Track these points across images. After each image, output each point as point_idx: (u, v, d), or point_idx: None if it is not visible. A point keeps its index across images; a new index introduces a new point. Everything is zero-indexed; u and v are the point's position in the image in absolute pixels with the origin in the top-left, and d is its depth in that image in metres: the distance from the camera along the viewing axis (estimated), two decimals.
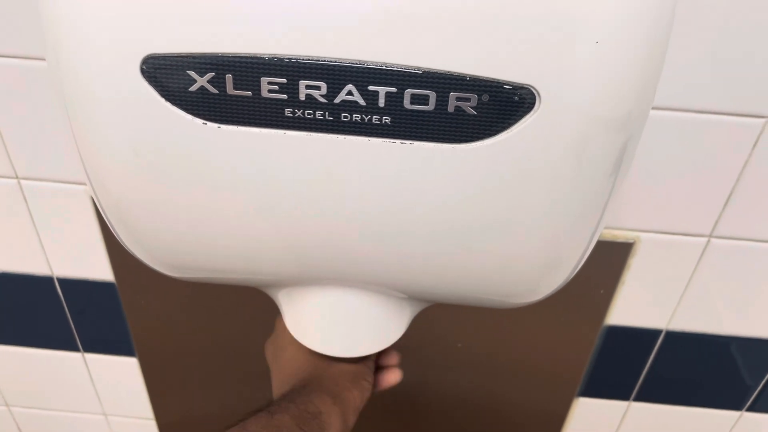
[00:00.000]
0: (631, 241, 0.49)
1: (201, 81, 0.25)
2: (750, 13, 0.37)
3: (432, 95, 0.24)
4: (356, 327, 0.37)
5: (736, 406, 0.60)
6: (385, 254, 0.30)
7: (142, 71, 0.25)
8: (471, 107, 0.25)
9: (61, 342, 0.61)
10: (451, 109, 0.25)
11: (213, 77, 0.25)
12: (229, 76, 0.25)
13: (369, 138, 0.26)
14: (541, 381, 0.60)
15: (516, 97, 0.24)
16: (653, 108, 0.41)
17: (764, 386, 0.58)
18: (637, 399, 0.61)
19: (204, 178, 0.27)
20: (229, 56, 0.24)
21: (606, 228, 0.48)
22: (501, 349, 0.58)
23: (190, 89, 0.25)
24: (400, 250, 0.29)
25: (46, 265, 0.54)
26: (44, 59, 0.41)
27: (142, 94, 0.25)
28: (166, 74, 0.25)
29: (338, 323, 0.36)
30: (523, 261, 0.31)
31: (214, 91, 0.25)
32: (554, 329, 0.56)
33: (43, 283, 0.56)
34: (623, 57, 0.25)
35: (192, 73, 0.25)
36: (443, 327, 0.56)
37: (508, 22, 0.23)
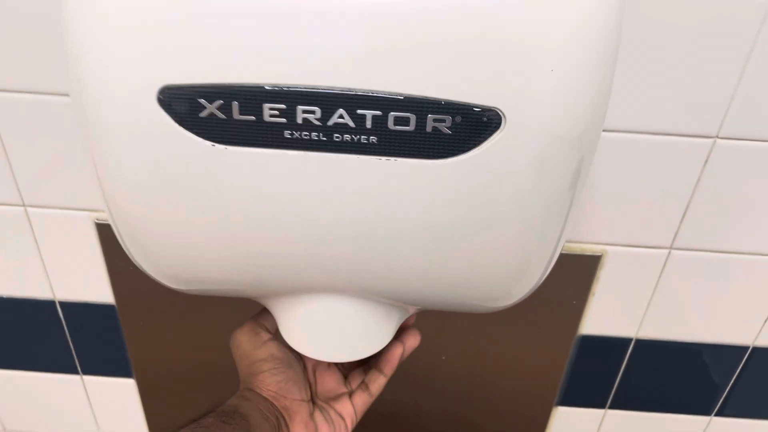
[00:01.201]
0: (598, 254, 0.53)
1: (210, 108, 0.28)
2: (698, 38, 0.42)
3: (412, 117, 0.28)
4: (345, 334, 0.40)
5: (706, 411, 0.64)
6: (374, 260, 0.33)
7: (159, 100, 0.28)
8: (446, 127, 0.28)
9: (61, 365, 0.63)
10: (429, 129, 0.29)
11: (221, 104, 0.28)
12: (235, 103, 0.28)
13: (358, 156, 0.29)
14: (520, 391, 0.63)
15: (485, 118, 0.28)
16: (615, 131, 0.46)
17: (731, 391, 0.62)
18: (613, 407, 0.64)
19: (212, 195, 0.31)
20: (235, 86, 0.28)
21: (575, 242, 0.52)
22: (481, 361, 0.61)
23: (200, 115, 0.29)
24: (386, 256, 0.33)
25: (49, 289, 0.57)
26: (49, 93, 0.45)
27: (158, 120, 0.29)
28: (180, 102, 0.28)
29: (329, 330, 0.40)
30: (494, 265, 0.34)
31: (222, 116, 0.29)
32: (531, 341, 0.59)
33: (45, 306, 0.58)
34: (575, 82, 0.29)
35: (202, 101, 0.28)
36: (428, 340, 0.59)
37: (475, 54, 0.27)
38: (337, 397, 0.44)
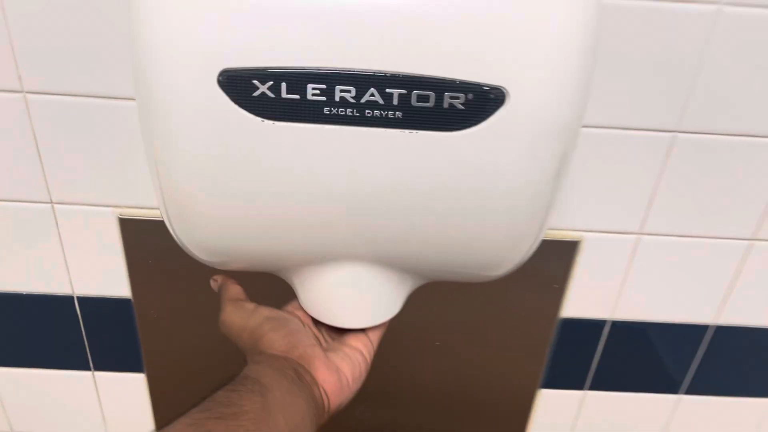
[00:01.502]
0: (577, 239, 0.59)
1: (262, 88, 0.34)
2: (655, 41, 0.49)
3: (432, 95, 0.34)
4: (363, 301, 0.45)
5: (674, 389, 0.70)
6: (394, 224, 0.38)
7: (218, 82, 0.33)
8: (460, 103, 0.34)
9: (73, 361, 0.66)
10: (446, 105, 0.34)
11: (271, 85, 0.34)
12: (283, 84, 0.34)
13: (386, 129, 0.35)
14: (506, 375, 0.68)
15: (492, 95, 0.34)
16: (592, 126, 0.52)
17: (698, 369, 0.68)
18: (592, 388, 0.69)
19: (259, 166, 0.36)
20: (283, 69, 0.33)
21: (555, 229, 0.58)
22: (468, 346, 0.66)
23: (253, 94, 0.34)
24: (405, 220, 0.38)
25: (69, 284, 0.61)
26: (82, 95, 0.49)
27: (217, 99, 0.34)
28: (236, 83, 0.34)
29: (348, 298, 0.45)
30: (494, 230, 0.40)
31: (271, 95, 0.34)
32: (515, 325, 0.65)
33: (63, 302, 0.62)
34: (565, 69, 0.35)
35: (255, 82, 0.34)
36: (418, 326, 0.64)
37: (484, 42, 0.33)
38: (344, 336, 0.46)
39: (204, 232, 0.40)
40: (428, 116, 0.35)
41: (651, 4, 0.47)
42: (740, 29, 0.48)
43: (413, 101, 0.34)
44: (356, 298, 0.44)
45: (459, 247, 0.41)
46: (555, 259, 0.60)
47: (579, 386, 0.69)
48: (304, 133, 0.35)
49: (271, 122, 0.34)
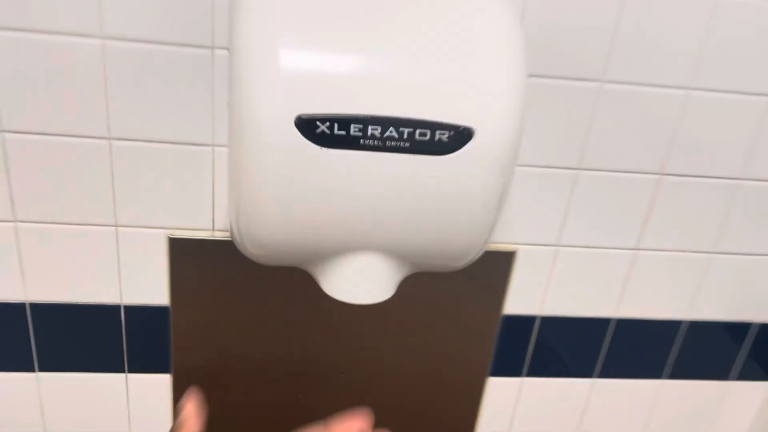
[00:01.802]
0: (513, 250, 0.80)
1: (322, 127, 0.53)
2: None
3: (428, 132, 0.54)
4: (369, 282, 0.63)
5: (590, 374, 0.90)
6: (398, 221, 0.58)
7: (295, 123, 0.53)
8: (445, 138, 0.55)
9: (111, 363, 0.80)
10: (436, 139, 0.54)
11: (327, 125, 0.53)
12: (335, 125, 0.53)
13: (398, 154, 0.54)
14: (459, 366, 0.87)
15: (465, 132, 0.55)
16: (523, 165, 0.74)
17: (606, 356, 0.89)
18: (528, 375, 0.89)
19: (317, 179, 0.54)
20: (336, 115, 0.53)
21: (497, 243, 0.79)
22: (427, 342, 0.84)
23: (316, 131, 0.53)
24: (408, 216, 0.57)
25: (118, 295, 0.76)
26: (156, 141, 0.67)
27: (293, 134, 0.53)
28: (305, 124, 0.53)
29: (357, 281, 0.63)
30: (462, 228, 0.60)
31: (328, 132, 0.53)
32: (467, 322, 0.84)
33: (112, 310, 0.76)
34: (509, 118, 0.56)
35: (318, 123, 0.53)
36: (388, 323, 0.83)
37: (459, 101, 0.54)
38: None
39: (268, 232, 0.58)
40: (425, 146, 0.55)
41: (551, 81, 0.70)
42: (619, 100, 0.72)
43: (416, 136, 0.54)
44: (365, 280, 0.63)
45: (437, 240, 0.60)
46: (497, 266, 0.80)
47: (518, 374, 0.88)
48: (347, 157, 0.54)
49: (326, 150, 0.54)
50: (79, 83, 0.64)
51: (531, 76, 0.69)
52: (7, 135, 0.65)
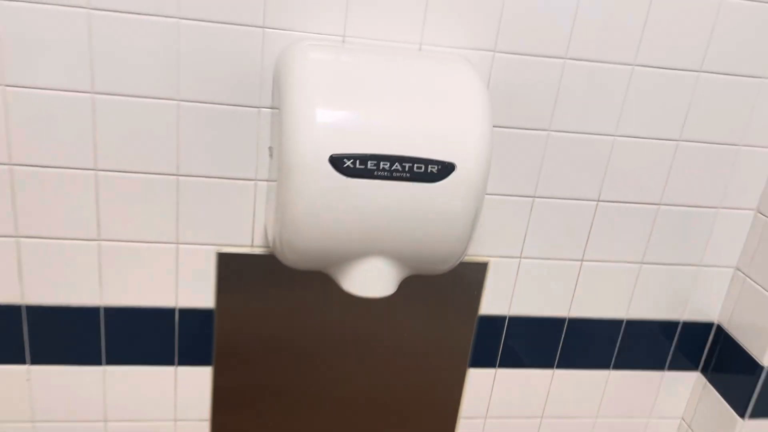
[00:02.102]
0: (486, 261, 1.01)
1: (348, 163, 0.74)
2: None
3: (423, 165, 0.76)
4: (377, 281, 0.84)
5: (550, 365, 1.11)
6: (401, 232, 0.79)
7: (329, 160, 0.74)
8: (435, 170, 0.77)
9: (165, 358, 0.99)
10: (428, 171, 0.76)
11: (352, 161, 0.75)
12: (358, 161, 0.75)
13: (401, 182, 0.76)
14: (443, 359, 1.07)
15: (449, 166, 0.77)
16: (492, 194, 0.96)
17: (561, 349, 1.10)
18: (500, 366, 1.09)
19: (343, 201, 0.76)
20: (358, 155, 0.75)
21: (474, 255, 1.01)
22: (415, 339, 1.05)
23: (344, 166, 0.75)
24: (407, 228, 0.79)
25: (175, 299, 0.95)
26: (212, 177, 0.88)
27: (327, 168, 0.74)
28: (336, 161, 0.74)
29: (368, 278, 0.83)
30: (445, 238, 0.81)
31: (352, 166, 0.75)
32: (449, 322, 1.04)
33: (169, 312, 0.96)
34: (482, 157, 0.78)
35: (345, 160, 0.74)
36: (384, 323, 1.03)
37: (445, 145, 0.76)
38: None
39: (304, 242, 0.79)
40: (420, 176, 0.76)
41: (511, 131, 0.93)
42: (562, 144, 0.95)
43: (414, 169, 0.76)
44: (375, 278, 0.84)
45: (429, 247, 0.82)
46: (474, 274, 1.02)
47: (492, 365, 1.09)
48: (365, 184, 0.75)
49: (350, 179, 0.75)
50: (156, 132, 0.85)
51: (496, 126, 0.92)
52: (100, 174, 0.86)
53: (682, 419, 1.19)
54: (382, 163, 0.75)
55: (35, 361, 0.95)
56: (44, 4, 0.77)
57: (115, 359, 0.97)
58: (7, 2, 0.76)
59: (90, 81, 0.81)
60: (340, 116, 0.75)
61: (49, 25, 0.78)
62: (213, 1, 0.80)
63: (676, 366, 1.14)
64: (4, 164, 0.84)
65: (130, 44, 0.80)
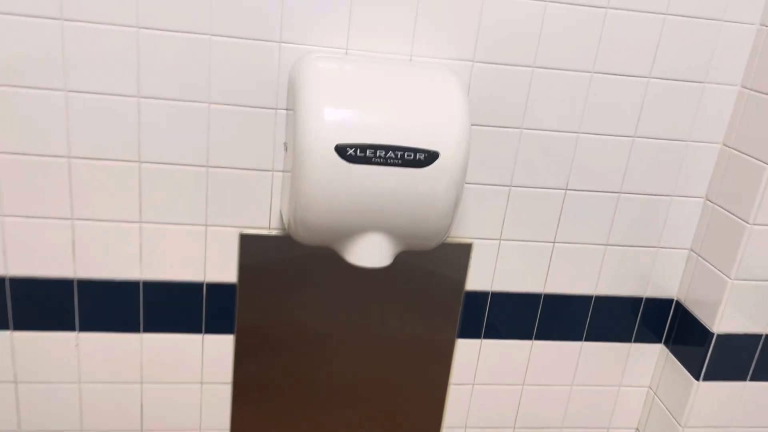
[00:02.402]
0: (470, 242, 1.17)
1: (350, 151, 0.91)
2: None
3: (413, 154, 0.92)
4: (375, 253, 1.00)
5: (529, 337, 1.26)
6: (398, 211, 0.95)
7: (334, 149, 0.91)
8: (422, 157, 0.93)
9: (192, 325, 1.15)
10: (417, 158, 0.93)
11: (353, 149, 0.91)
12: (358, 150, 0.91)
13: (393, 167, 0.92)
14: (434, 330, 1.22)
15: (435, 154, 0.93)
16: (472, 183, 1.12)
17: (539, 322, 1.25)
18: (485, 337, 1.25)
19: (346, 183, 0.92)
20: (359, 144, 0.91)
21: (459, 237, 1.17)
22: (410, 313, 1.21)
23: (347, 154, 0.91)
24: (400, 209, 0.95)
25: (203, 274, 1.12)
26: (237, 168, 1.05)
27: (332, 156, 0.91)
28: (341, 149, 0.91)
29: (368, 250, 0.99)
30: (432, 218, 0.97)
31: (353, 154, 0.91)
32: (438, 297, 1.20)
33: (197, 286, 1.12)
34: (463, 146, 0.95)
35: (348, 149, 0.91)
36: (381, 298, 1.19)
37: (431, 137, 0.93)
38: None
39: (314, 220, 0.95)
40: (411, 162, 0.93)
41: (489, 129, 1.10)
42: (533, 140, 1.11)
43: (405, 156, 0.92)
44: (374, 250, 1.00)
45: (418, 223, 0.98)
46: (460, 255, 1.18)
47: (478, 336, 1.24)
48: (365, 169, 0.92)
49: (353, 164, 0.91)
50: (191, 130, 1.02)
51: (476, 125, 1.08)
52: (143, 165, 1.03)
53: (649, 387, 1.33)
54: (378, 151, 0.91)
55: (83, 328, 1.11)
56: (97, 23, 0.94)
57: (151, 327, 1.13)
58: (73, 23, 0.94)
59: (137, 87, 0.98)
60: (344, 113, 0.91)
61: (103, 42, 0.95)
62: (238, 21, 0.97)
63: (641, 338, 1.29)
64: (64, 157, 1.00)
65: (169, 56, 0.97)
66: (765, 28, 1.07)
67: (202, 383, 1.18)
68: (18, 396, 1.14)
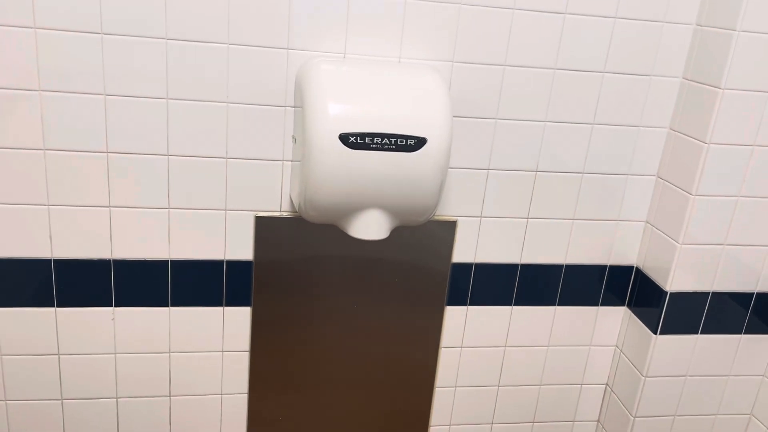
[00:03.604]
0: (455, 220, 1.35)
1: (352, 139, 1.08)
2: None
3: (405, 140, 1.10)
4: (374, 227, 1.16)
5: (509, 303, 1.44)
6: (389, 191, 1.12)
7: (339, 137, 1.08)
8: (412, 143, 1.10)
9: (214, 299, 1.31)
10: (408, 143, 1.10)
11: (355, 137, 1.08)
12: (358, 138, 1.08)
13: (388, 152, 1.09)
14: (425, 297, 1.40)
15: (423, 140, 1.10)
16: (455, 167, 1.30)
17: (517, 289, 1.42)
18: (471, 304, 1.42)
19: (348, 167, 1.09)
20: (359, 132, 1.08)
21: (445, 215, 1.34)
22: (401, 280, 1.38)
23: (349, 141, 1.08)
24: (393, 188, 1.12)
25: (223, 253, 1.28)
26: (251, 159, 1.22)
27: (336, 144, 1.07)
28: (344, 138, 1.07)
29: (368, 224, 1.16)
30: (421, 196, 1.15)
31: (354, 141, 1.08)
32: (429, 268, 1.38)
33: (218, 264, 1.28)
34: (446, 133, 1.12)
35: (350, 137, 1.08)
36: (372, 268, 1.36)
37: (419, 124, 1.10)
38: None
39: (321, 200, 1.11)
40: (403, 147, 1.10)
41: (468, 119, 1.27)
42: (507, 130, 1.29)
43: (398, 142, 1.10)
44: (373, 225, 1.16)
45: (410, 201, 1.15)
46: (447, 230, 1.35)
47: (464, 303, 1.42)
48: (364, 154, 1.08)
49: (354, 150, 1.08)
50: (212, 126, 1.18)
51: (457, 117, 1.26)
52: (171, 158, 1.19)
53: (616, 346, 1.51)
54: (375, 138, 1.08)
55: (118, 304, 1.27)
56: (131, 36, 1.11)
57: (177, 302, 1.29)
58: (114, 37, 1.10)
59: (165, 90, 1.15)
60: (346, 107, 1.08)
61: (135, 51, 1.12)
62: (252, 31, 1.14)
63: (607, 302, 1.47)
64: (102, 152, 1.16)
65: (193, 61, 1.14)
66: (700, 27, 1.26)
67: (223, 351, 1.34)
68: (60, 367, 1.29)
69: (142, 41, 1.11)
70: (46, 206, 1.18)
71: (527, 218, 1.36)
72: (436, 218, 1.32)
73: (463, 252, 1.36)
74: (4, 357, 1.26)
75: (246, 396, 1.38)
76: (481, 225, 1.35)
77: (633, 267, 1.45)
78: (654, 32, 1.26)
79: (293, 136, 1.21)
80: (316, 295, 1.34)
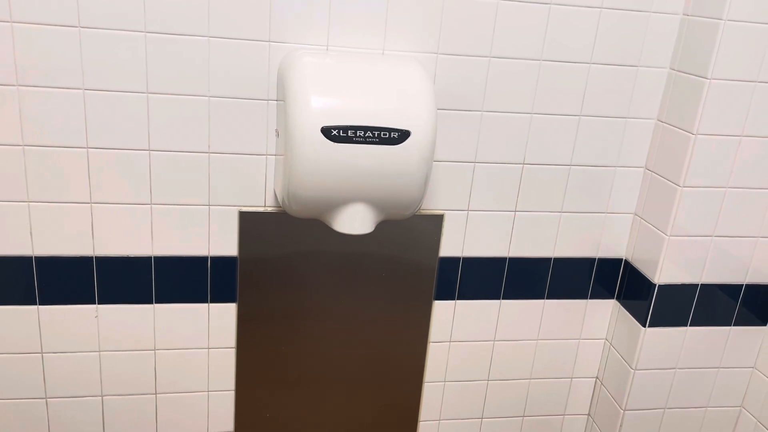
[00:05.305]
0: (442, 213, 1.34)
1: (334, 132, 1.06)
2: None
3: (388, 133, 1.08)
4: (359, 221, 1.15)
5: (497, 296, 1.43)
6: (373, 184, 1.11)
7: (321, 130, 1.06)
8: (395, 136, 1.09)
9: (198, 296, 1.29)
10: (391, 136, 1.08)
11: (338, 130, 1.06)
12: (341, 130, 1.07)
13: (372, 145, 1.08)
14: (413, 292, 1.39)
15: (407, 133, 1.09)
16: (441, 161, 1.29)
17: (506, 283, 1.42)
18: (459, 298, 1.41)
19: (330, 159, 1.07)
20: (341, 126, 1.07)
21: (432, 209, 1.33)
22: (394, 276, 1.36)
23: (331, 134, 1.06)
24: (377, 182, 1.11)
25: (207, 249, 1.26)
26: (240, 153, 1.20)
27: (319, 137, 1.06)
28: (326, 131, 1.06)
29: (353, 219, 1.15)
30: (406, 190, 1.13)
31: (336, 134, 1.07)
32: (417, 263, 1.37)
33: (202, 260, 1.27)
34: (430, 125, 1.11)
35: (332, 130, 1.06)
36: (361, 261, 1.35)
37: (403, 117, 1.09)
38: None
39: (305, 194, 1.10)
40: (386, 140, 1.09)
41: (453, 112, 1.26)
42: (493, 121, 1.28)
43: (382, 135, 1.08)
44: (358, 219, 1.15)
45: (395, 194, 1.14)
46: (434, 224, 1.34)
47: (452, 297, 1.41)
48: (347, 147, 1.07)
49: (337, 143, 1.07)
50: (194, 120, 1.17)
51: (442, 109, 1.25)
52: (152, 153, 1.18)
53: (605, 339, 1.51)
54: (358, 131, 1.07)
55: (102, 301, 1.25)
56: (109, 30, 1.09)
57: (162, 298, 1.28)
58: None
59: (145, 85, 1.13)
60: (328, 100, 1.07)
61: (119, 45, 1.10)
62: (233, 23, 1.12)
63: (596, 295, 1.46)
64: (82, 148, 1.15)
65: (173, 55, 1.12)
66: (687, 17, 1.25)
67: (208, 348, 1.33)
68: (44, 365, 1.27)
69: (120, 35, 1.09)
70: (26, 203, 1.16)
71: (515, 211, 1.35)
72: (423, 212, 1.31)
73: (451, 246, 1.35)
74: None
75: (233, 393, 1.37)
76: (468, 218, 1.34)
77: (622, 259, 1.44)
78: (641, 22, 1.25)
79: (276, 130, 1.20)
80: (302, 290, 1.33)
